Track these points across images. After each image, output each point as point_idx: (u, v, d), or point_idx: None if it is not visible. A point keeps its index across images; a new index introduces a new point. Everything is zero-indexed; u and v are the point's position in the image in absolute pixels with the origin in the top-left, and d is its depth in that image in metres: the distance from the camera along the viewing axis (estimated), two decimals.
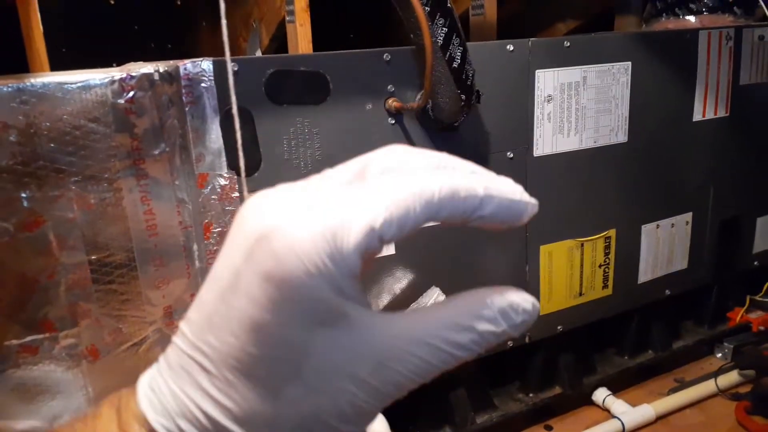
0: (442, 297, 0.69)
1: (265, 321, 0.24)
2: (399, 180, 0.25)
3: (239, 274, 0.24)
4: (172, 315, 0.57)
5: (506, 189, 0.26)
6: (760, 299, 0.98)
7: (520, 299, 0.25)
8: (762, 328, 0.95)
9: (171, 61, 0.54)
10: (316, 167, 0.61)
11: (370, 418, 0.26)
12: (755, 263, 0.99)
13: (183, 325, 0.26)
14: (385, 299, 0.68)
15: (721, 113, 0.87)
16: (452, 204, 0.25)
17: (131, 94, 0.52)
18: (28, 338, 0.53)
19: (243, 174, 0.54)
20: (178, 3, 0.93)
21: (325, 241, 0.23)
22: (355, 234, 0.23)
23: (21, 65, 0.64)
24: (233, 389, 0.24)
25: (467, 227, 0.26)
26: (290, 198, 0.25)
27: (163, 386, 0.26)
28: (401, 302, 0.68)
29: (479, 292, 0.26)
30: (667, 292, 0.90)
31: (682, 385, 0.89)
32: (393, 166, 0.26)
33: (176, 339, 0.26)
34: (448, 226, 0.26)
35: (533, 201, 0.26)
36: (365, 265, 0.24)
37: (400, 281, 0.68)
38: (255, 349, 0.24)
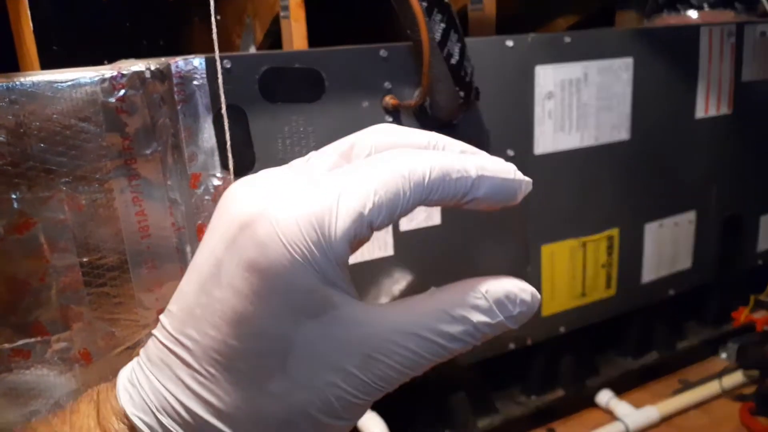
0: None
1: (248, 312, 0.23)
2: (387, 162, 0.23)
3: (221, 263, 0.23)
4: None
5: (499, 168, 0.25)
6: (765, 299, 0.97)
7: (518, 289, 0.24)
8: (766, 327, 0.94)
9: (162, 59, 0.53)
10: None
11: (360, 412, 0.25)
12: (759, 262, 0.99)
13: (163, 318, 0.25)
14: (383, 302, 0.67)
15: (724, 110, 0.86)
16: (444, 186, 0.23)
17: (122, 92, 0.51)
18: (20, 342, 0.52)
19: (231, 168, 0.53)
20: None
21: (312, 227, 0.22)
22: (343, 220, 0.22)
23: (11, 64, 0.63)
24: (216, 384, 0.23)
25: (462, 209, 0.25)
26: (274, 184, 0.24)
27: (143, 380, 0.25)
28: None
29: (475, 281, 0.24)
30: (671, 291, 0.89)
31: (686, 386, 0.88)
32: (380, 147, 0.25)
33: (156, 332, 0.25)
34: (441, 206, 0.25)
35: (527, 179, 0.26)
36: (354, 250, 0.23)
37: (398, 283, 0.67)
38: (238, 342, 0.23)
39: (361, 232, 0.23)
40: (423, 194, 0.23)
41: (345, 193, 0.23)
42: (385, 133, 0.26)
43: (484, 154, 0.26)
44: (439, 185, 0.23)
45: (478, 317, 0.24)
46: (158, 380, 0.24)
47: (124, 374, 0.26)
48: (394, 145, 0.26)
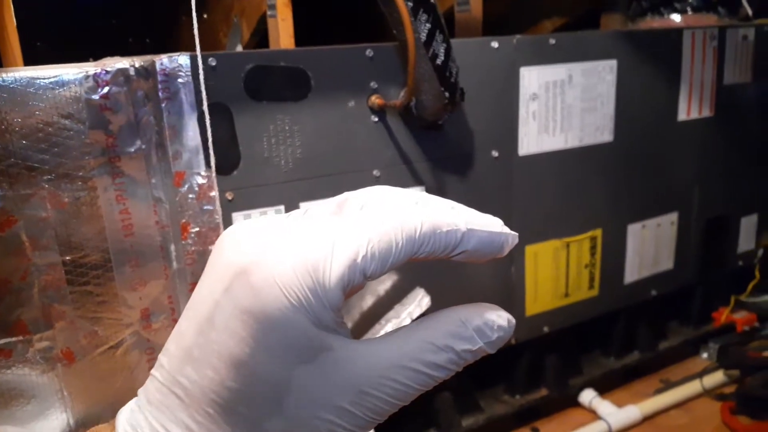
0: (426, 299, 0.68)
1: (245, 355, 0.23)
2: (381, 214, 0.24)
3: (218, 305, 0.24)
4: (150, 317, 0.56)
5: (486, 222, 0.26)
6: (745, 299, 0.98)
7: (496, 316, 0.26)
8: (746, 328, 0.95)
9: (147, 56, 0.52)
10: (297, 165, 0.60)
11: None
12: (740, 263, 1.00)
13: (162, 357, 0.26)
14: (368, 301, 0.67)
15: (706, 113, 0.87)
16: (434, 239, 0.25)
17: (106, 89, 0.50)
18: (1, 341, 0.51)
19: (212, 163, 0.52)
20: None
21: (308, 273, 0.23)
22: (337, 267, 0.23)
23: None
24: (215, 424, 0.24)
25: (451, 262, 0.26)
26: (269, 230, 0.25)
27: (143, 422, 0.25)
28: (385, 304, 0.67)
29: (455, 311, 0.26)
30: (653, 292, 0.90)
31: (668, 385, 0.89)
32: (372, 202, 0.26)
33: (155, 372, 0.26)
34: (431, 260, 0.26)
35: (513, 233, 0.27)
36: (348, 296, 0.24)
37: (383, 283, 0.67)
38: (235, 384, 0.23)
39: (355, 278, 0.23)
40: (415, 246, 0.24)
41: (340, 241, 0.23)
42: (376, 192, 0.27)
43: (472, 210, 0.27)
44: (430, 238, 0.25)
45: (460, 345, 0.25)
46: (158, 422, 0.25)
47: (123, 416, 0.26)
48: (385, 202, 0.27)
